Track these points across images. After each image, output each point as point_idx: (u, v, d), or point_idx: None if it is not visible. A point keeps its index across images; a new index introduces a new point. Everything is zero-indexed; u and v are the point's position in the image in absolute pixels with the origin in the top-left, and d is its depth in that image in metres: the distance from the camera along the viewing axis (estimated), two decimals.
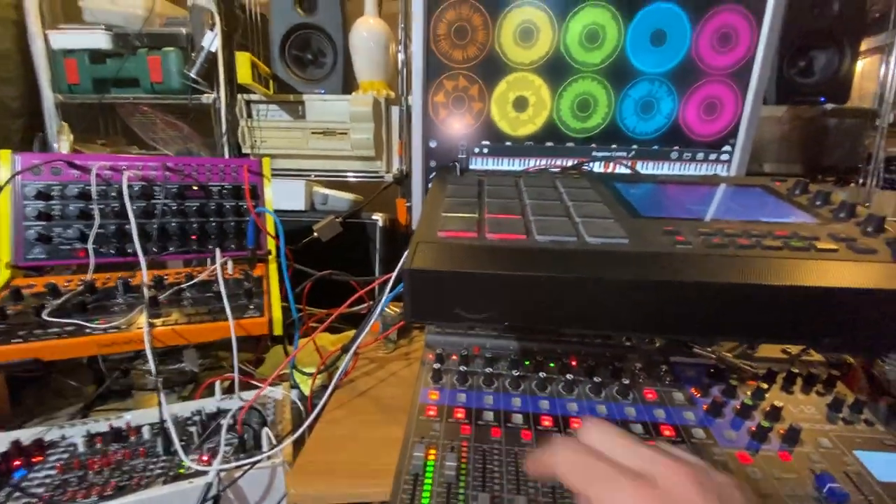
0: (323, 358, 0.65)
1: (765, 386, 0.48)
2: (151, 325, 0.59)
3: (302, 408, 0.66)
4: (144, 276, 0.62)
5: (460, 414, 0.45)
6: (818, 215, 0.44)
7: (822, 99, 1.11)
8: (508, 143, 0.68)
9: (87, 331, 0.57)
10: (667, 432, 0.43)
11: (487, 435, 0.42)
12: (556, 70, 0.65)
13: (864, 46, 1.17)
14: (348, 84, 1.21)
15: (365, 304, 0.84)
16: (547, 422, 0.44)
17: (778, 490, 0.37)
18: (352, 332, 0.77)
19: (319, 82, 1.20)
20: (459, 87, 0.65)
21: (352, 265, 0.84)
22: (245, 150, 1.19)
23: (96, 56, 1.24)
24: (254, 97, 1.17)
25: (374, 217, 1.08)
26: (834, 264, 0.35)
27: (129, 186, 0.71)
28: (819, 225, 0.42)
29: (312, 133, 1.17)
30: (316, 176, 1.20)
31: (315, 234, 0.96)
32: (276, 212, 1.09)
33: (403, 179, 1.17)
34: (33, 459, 0.54)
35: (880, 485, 0.37)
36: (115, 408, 0.76)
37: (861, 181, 1.17)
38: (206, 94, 1.18)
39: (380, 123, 1.15)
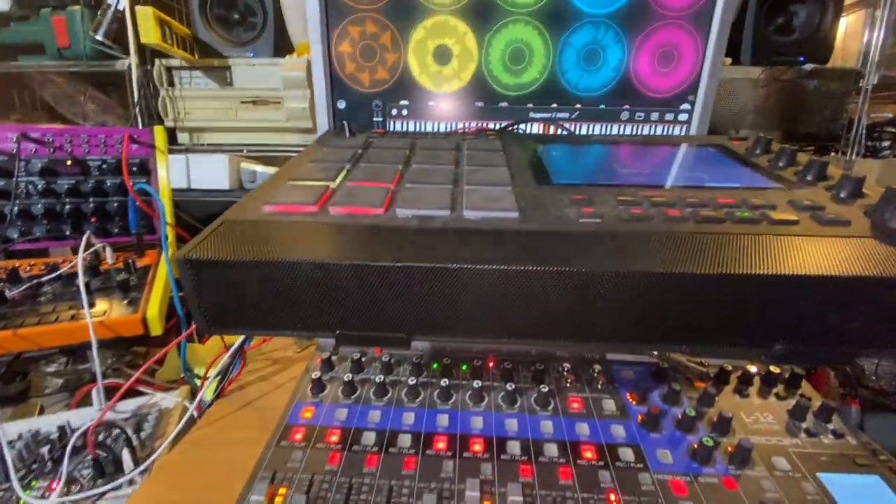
0: (211, 360, 0.55)
1: (714, 390, 0.40)
2: None
3: (196, 417, 0.57)
4: None
5: (334, 436, 0.36)
6: (780, 178, 0.35)
7: (802, 59, 1.01)
8: (431, 103, 0.58)
9: None
10: (588, 453, 0.34)
11: (360, 465, 0.33)
12: (483, 12, 0.54)
13: (847, 1, 1.07)
14: (281, 47, 1.08)
15: None
16: (441, 443, 0.35)
17: None
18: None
19: (248, 45, 1.07)
20: (367, 33, 0.54)
21: None
22: (168, 123, 1.06)
23: None
24: (174, 63, 1.03)
25: None
26: (791, 240, 0.25)
27: None
28: (779, 190, 0.32)
29: (242, 102, 1.04)
30: (249, 151, 1.08)
31: None
32: (200, 191, 0.98)
33: None
34: None
35: None
36: None
37: (842, 149, 1.08)
38: (119, 60, 1.04)
39: None
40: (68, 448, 0.44)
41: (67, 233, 0.62)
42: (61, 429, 0.51)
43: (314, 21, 0.53)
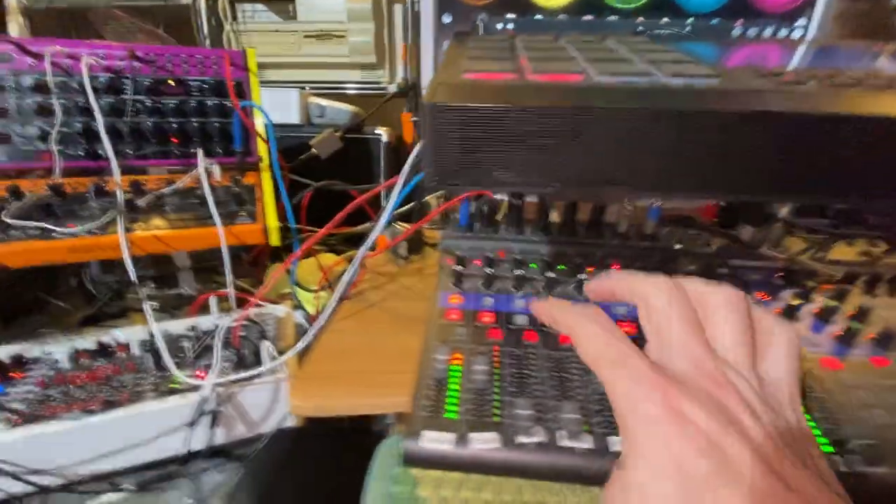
0: (324, 272, 0.58)
1: (845, 288, 0.41)
2: (128, 230, 0.51)
3: (308, 325, 0.60)
4: (117, 175, 0.54)
5: (487, 318, 0.38)
6: None
7: None
8: (538, 17, 0.57)
9: (55, 235, 0.50)
10: None
11: (521, 339, 0.36)
12: None
13: None
14: None
15: (369, 224, 0.77)
16: None
17: (880, 397, 0.31)
18: (355, 253, 0.70)
19: None
20: None
21: (354, 184, 0.76)
22: None
23: None
24: None
25: (377, 132, 0.97)
26: None
27: (94, 78, 0.60)
28: None
29: (305, 36, 1.03)
30: (311, 87, 1.08)
31: (313, 149, 0.86)
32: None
33: (409, 91, 1.05)
34: (12, 375, 0.49)
35: None
36: (109, 328, 0.71)
37: None
38: None
39: (381, 24, 1.01)
40: (218, 337, 0.48)
41: (175, 151, 0.64)
42: (193, 328, 0.55)
43: None
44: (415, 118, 1.04)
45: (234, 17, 1.04)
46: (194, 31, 1.07)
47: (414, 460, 0.27)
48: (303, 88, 1.07)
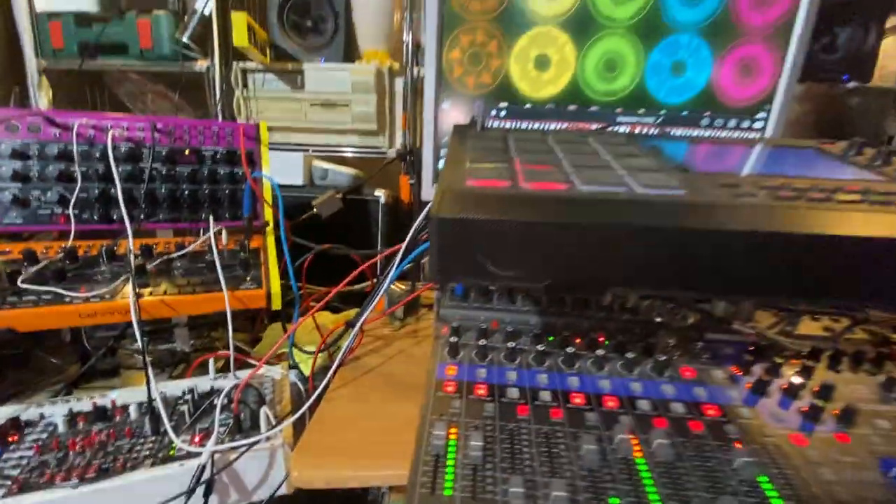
0: (324, 336, 0.61)
1: (811, 364, 0.44)
2: (138, 295, 0.53)
3: (302, 388, 0.61)
4: (130, 241, 0.57)
5: (482, 390, 0.41)
6: (883, 174, 0.40)
7: (845, 77, 1.07)
8: (528, 106, 0.63)
9: (67, 299, 0.52)
10: (710, 412, 0.39)
11: (513, 413, 0.38)
12: (583, 25, 0.60)
13: (888, 24, 1.12)
14: (350, 53, 1.15)
15: (367, 283, 0.80)
16: (578, 399, 0.40)
17: (841, 474, 0.33)
18: (353, 312, 0.72)
19: (319, 51, 1.14)
20: (477, 41, 0.60)
21: (353, 244, 0.79)
22: (240, 122, 1.13)
23: (82, 19, 1.17)
24: (250, 65, 1.10)
25: (376, 193, 1.03)
26: None
27: (115, 147, 0.65)
28: (889, 182, 0.37)
29: (311, 104, 1.11)
30: (314, 151, 1.14)
31: (314, 209, 0.91)
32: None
33: (407, 155, 1.12)
34: (9, 439, 0.49)
35: None
36: (101, 387, 0.71)
37: None
38: (199, 62, 1.11)
39: (382, 95, 1.09)
40: (219, 402, 0.49)
41: (184, 216, 0.68)
42: (190, 391, 0.56)
43: (431, 30, 0.59)
44: (412, 181, 1.10)
45: (245, 85, 1.12)
46: (207, 96, 1.14)
47: None
48: (307, 151, 1.14)
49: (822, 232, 0.27)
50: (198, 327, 0.85)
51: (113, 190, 0.62)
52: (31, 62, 1.16)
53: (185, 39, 1.06)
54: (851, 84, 1.07)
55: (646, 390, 0.41)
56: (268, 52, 1.12)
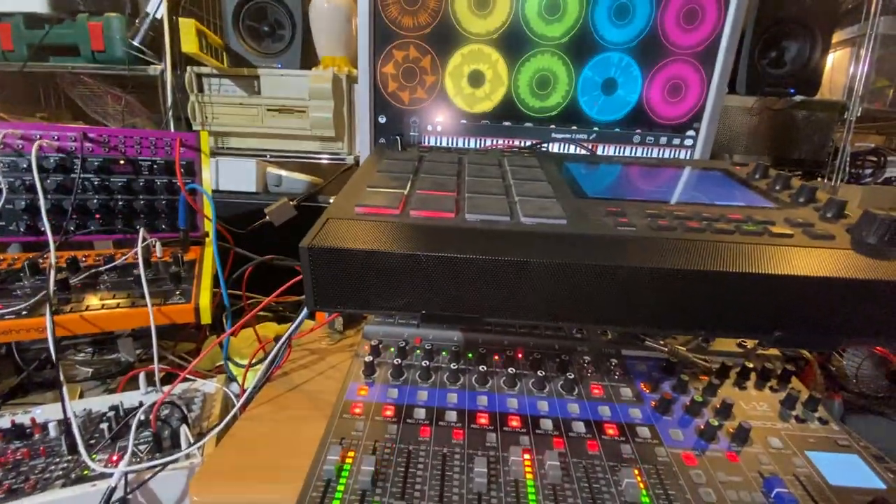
0: (256, 349, 0.60)
1: (717, 381, 0.46)
2: (57, 311, 0.52)
3: (236, 402, 0.61)
4: (52, 255, 0.56)
5: (389, 412, 0.41)
6: (777, 199, 0.41)
7: (792, 90, 1.09)
8: (464, 122, 0.64)
9: None
10: (610, 430, 0.40)
11: (415, 435, 0.38)
12: (515, 43, 0.60)
13: (835, 39, 1.16)
14: (307, 59, 1.14)
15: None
16: (483, 419, 0.40)
17: (723, 495, 0.34)
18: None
19: (276, 56, 1.13)
20: (410, 57, 0.60)
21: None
22: (196, 127, 1.11)
23: (32, 20, 1.14)
24: (205, 70, 1.09)
25: (331, 201, 1.02)
26: (788, 250, 0.31)
27: (45, 158, 0.63)
28: (777, 209, 0.39)
29: (268, 110, 1.09)
30: (272, 156, 1.13)
31: (267, 217, 0.90)
32: (227, 193, 1.03)
33: None
34: None
35: (832, 489, 0.35)
36: (34, 402, 0.69)
37: (828, 175, 1.16)
38: (152, 66, 1.09)
39: (341, 102, 1.09)
40: (134, 422, 0.49)
41: (119, 227, 0.67)
42: (114, 408, 0.55)
43: (363, 44, 0.59)
44: None
45: (201, 90, 1.10)
46: (160, 100, 1.12)
47: None
48: (265, 157, 1.13)
49: (685, 267, 0.28)
50: (145, 336, 0.83)
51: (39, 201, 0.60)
52: None
53: (136, 43, 1.04)
54: (799, 98, 1.10)
55: (551, 409, 0.42)
56: (224, 56, 1.11)
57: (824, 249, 0.32)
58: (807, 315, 0.29)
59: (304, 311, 0.52)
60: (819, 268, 0.30)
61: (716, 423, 0.40)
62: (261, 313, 0.81)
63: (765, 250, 0.31)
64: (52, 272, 0.54)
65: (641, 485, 0.34)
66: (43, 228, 0.62)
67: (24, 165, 0.63)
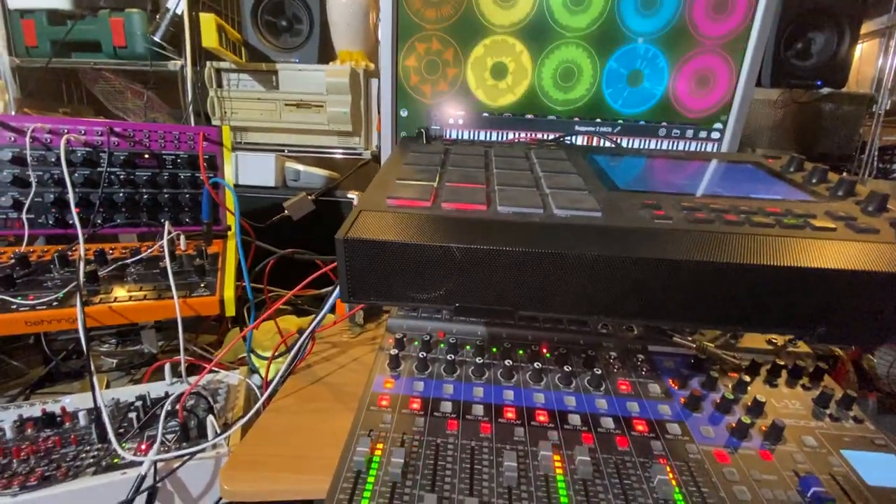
0: (278, 342, 0.61)
1: (747, 378, 0.45)
2: (86, 303, 0.53)
3: (259, 394, 0.62)
4: (81, 248, 0.57)
5: (416, 405, 0.41)
6: (814, 193, 0.40)
7: (819, 83, 1.07)
8: (486, 115, 0.63)
9: (13, 307, 0.52)
10: (640, 427, 0.39)
11: (443, 428, 0.38)
12: (539, 34, 0.60)
13: (863, 29, 1.13)
14: (325, 54, 1.14)
15: (332, 287, 0.80)
16: (510, 413, 0.40)
17: (757, 494, 0.34)
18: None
19: (294, 51, 1.13)
20: (432, 49, 0.60)
21: (325, 246, 0.79)
22: (215, 122, 1.12)
23: (55, 17, 1.16)
24: (224, 65, 1.09)
25: (349, 196, 1.02)
26: (832, 244, 0.30)
27: (72, 152, 0.64)
28: (815, 203, 0.38)
29: (286, 105, 1.10)
30: (290, 151, 1.14)
31: (285, 211, 0.91)
32: (246, 187, 1.04)
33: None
34: None
35: (869, 489, 0.34)
36: (61, 391, 0.71)
37: (854, 170, 1.14)
38: (172, 61, 1.10)
39: (358, 96, 1.09)
40: (163, 411, 0.49)
41: (144, 220, 0.68)
42: (141, 398, 0.56)
43: (386, 37, 0.59)
44: None
45: (220, 85, 1.11)
46: (180, 96, 1.13)
47: None
48: (283, 151, 1.13)
49: (726, 261, 0.28)
50: (167, 328, 0.84)
51: (68, 194, 0.62)
52: (4, 61, 1.15)
53: (156, 38, 1.05)
54: (825, 90, 1.07)
55: (579, 404, 0.42)
56: (242, 51, 1.11)
57: (869, 243, 0.31)
58: (852, 310, 0.29)
59: (329, 302, 0.52)
60: (865, 262, 0.29)
61: (748, 421, 0.39)
62: (282, 307, 0.82)
63: (808, 244, 0.30)
64: (82, 264, 0.55)
65: (674, 481, 0.34)
66: (71, 221, 0.63)
67: (52, 159, 0.64)
